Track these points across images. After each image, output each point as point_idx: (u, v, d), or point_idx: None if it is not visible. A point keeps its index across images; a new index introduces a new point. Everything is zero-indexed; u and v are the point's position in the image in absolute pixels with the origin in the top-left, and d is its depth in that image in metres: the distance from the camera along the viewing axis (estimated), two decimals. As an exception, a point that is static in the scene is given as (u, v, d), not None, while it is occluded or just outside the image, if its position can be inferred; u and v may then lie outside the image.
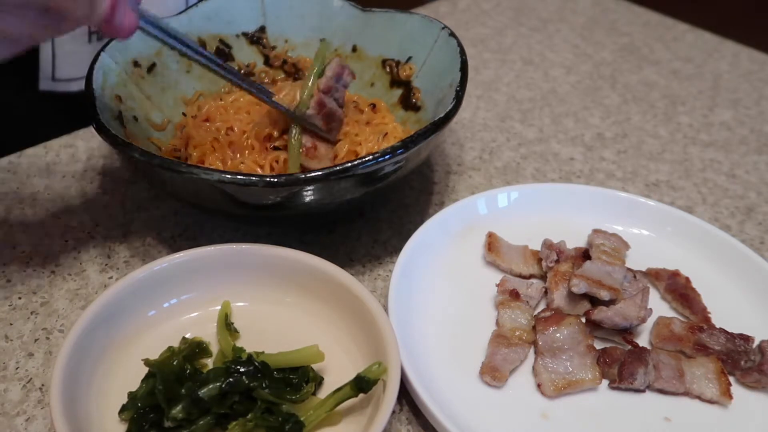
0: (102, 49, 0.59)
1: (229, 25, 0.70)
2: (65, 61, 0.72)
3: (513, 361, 0.50)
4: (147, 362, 0.45)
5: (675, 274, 0.56)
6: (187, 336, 0.49)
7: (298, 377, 0.45)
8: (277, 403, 0.44)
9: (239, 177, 0.47)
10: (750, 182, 0.72)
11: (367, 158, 0.48)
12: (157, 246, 0.60)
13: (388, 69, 0.69)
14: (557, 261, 0.56)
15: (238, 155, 0.60)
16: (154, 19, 0.50)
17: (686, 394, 0.49)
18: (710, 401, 0.48)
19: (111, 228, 0.61)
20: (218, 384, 0.43)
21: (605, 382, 0.49)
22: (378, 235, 0.62)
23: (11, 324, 0.52)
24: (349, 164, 0.48)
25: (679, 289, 0.56)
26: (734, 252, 0.58)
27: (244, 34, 0.71)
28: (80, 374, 0.44)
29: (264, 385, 0.44)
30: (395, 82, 0.68)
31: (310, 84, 0.57)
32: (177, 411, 0.42)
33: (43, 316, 0.53)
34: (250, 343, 0.48)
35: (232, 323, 0.50)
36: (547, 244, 0.57)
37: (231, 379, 0.43)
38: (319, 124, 0.57)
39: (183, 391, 0.43)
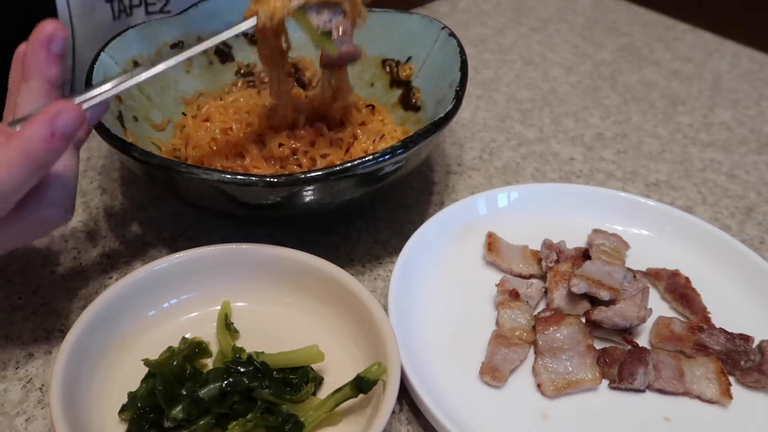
0: (102, 49, 0.59)
1: (229, 25, 0.70)
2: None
3: (513, 361, 0.50)
4: (147, 362, 0.45)
5: (675, 274, 0.56)
6: (187, 336, 0.49)
7: (298, 377, 0.45)
8: (277, 403, 0.44)
9: (239, 177, 0.47)
10: (750, 182, 0.72)
11: (367, 158, 0.48)
12: (157, 246, 0.60)
13: (387, 69, 0.69)
14: (557, 261, 0.56)
15: (237, 154, 0.60)
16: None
17: (686, 394, 0.49)
18: (710, 401, 0.48)
19: (111, 228, 0.61)
20: (218, 384, 0.43)
21: (605, 382, 0.49)
22: (378, 235, 0.62)
23: (11, 324, 0.52)
24: (349, 164, 0.48)
25: (679, 289, 0.56)
26: (734, 252, 0.58)
27: (244, 34, 0.71)
28: (80, 374, 0.44)
29: (264, 385, 0.44)
30: (395, 82, 0.68)
31: None
32: (177, 411, 0.42)
33: (43, 316, 0.53)
34: (250, 343, 0.48)
35: (232, 323, 0.50)
36: (547, 244, 0.57)
37: (231, 379, 0.43)
38: None
39: (183, 391, 0.43)
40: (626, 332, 0.52)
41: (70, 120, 0.38)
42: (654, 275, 0.57)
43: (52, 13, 0.67)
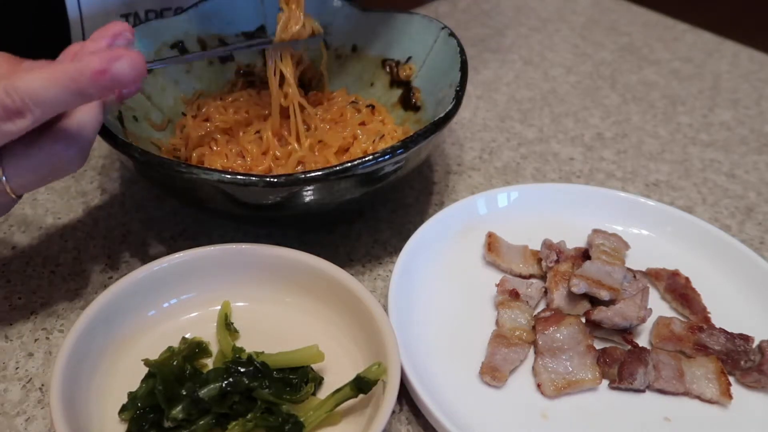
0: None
1: (229, 25, 0.70)
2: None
3: (513, 361, 0.50)
4: (147, 362, 0.45)
5: (675, 274, 0.56)
6: (187, 336, 0.49)
7: (298, 377, 0.45)
8: (277, 403, 0.44)
9: (239, 177, 0.47)
10: (750, 182, 0.72)
11: (367, 158, 0.48)
12: (157, 246, 0.60)
13: (387, 69, 0.69)
14: (557, 261, 0.56)
15: (237, 154, 0.60)
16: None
17: (686, 394, 0.49)
18: (710, 401, 0.48)
19: (111, 228, 0.61)
20: (218, 384, 0.43)
21: (605, 382, 0.49)
22: (378, 235, 0.62)
23: (11, 324, 0.52)
24: (349, 164, 0.48)
25: (678, 289, 0.56)
26: (734, 252, 0.58)
27: (244, 34, 0.71)
28: (80, 374, 0.44)
29: (264, 385, 0.44)
30: (395, 82, 0.68)
31: None
32: (177, 411, 0.42)
33: (43, 316, 0.53)
34: (250, 343, 0.48)
35: (232, 323, 0.50)
36: (547, 244, 0.57)
37: (231, 379, 0.43)
38: None
39: (183, 391, 0.43)
40: (626, 332, 0.52)
41: (128, 67, 0.38)
42: (654, 275, 0.57)
43: (65, 27, 0.67)
